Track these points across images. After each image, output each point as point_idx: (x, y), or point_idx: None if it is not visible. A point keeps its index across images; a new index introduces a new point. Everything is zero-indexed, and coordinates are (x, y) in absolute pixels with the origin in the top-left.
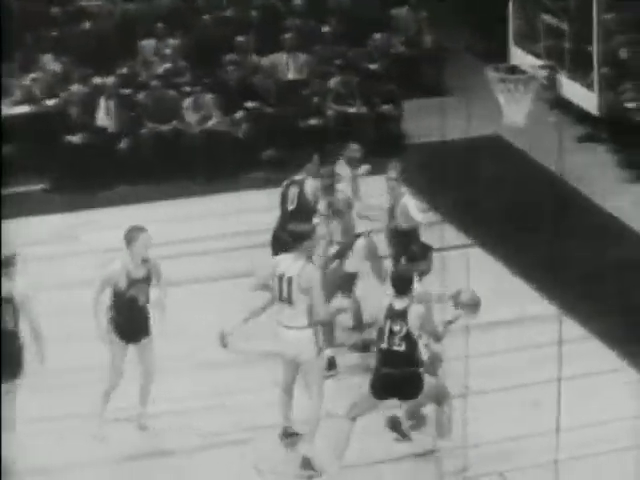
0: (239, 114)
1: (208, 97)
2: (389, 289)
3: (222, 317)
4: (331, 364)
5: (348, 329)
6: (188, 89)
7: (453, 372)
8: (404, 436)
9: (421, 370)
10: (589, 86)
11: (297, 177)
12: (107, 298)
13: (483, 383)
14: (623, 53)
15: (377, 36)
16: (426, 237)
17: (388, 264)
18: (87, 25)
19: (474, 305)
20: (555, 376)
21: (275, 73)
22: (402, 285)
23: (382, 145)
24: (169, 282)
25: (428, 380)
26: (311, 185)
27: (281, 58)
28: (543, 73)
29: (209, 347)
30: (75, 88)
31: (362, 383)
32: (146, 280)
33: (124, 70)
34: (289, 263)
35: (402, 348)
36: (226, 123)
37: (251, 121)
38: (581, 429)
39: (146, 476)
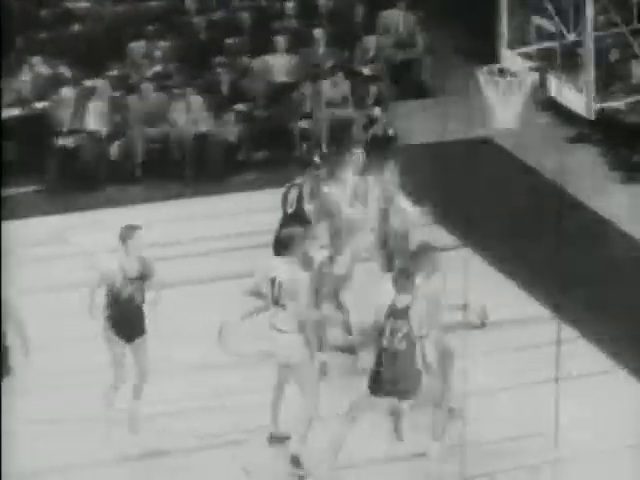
0: (229, 116)
1: (198, 99)
2: (387, 287)
3: (215, 318)
4: (323, 369)
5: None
6: (178, 91)
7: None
8: (399, 433)
9: (420, 369)
10: (579, 88)
11: (298, 180)
12: (103, 297)
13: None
14: (613, 55)
15: (367, 38)
16: (417, 238)
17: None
18: (77, 27)
19: (482, 321)
20: (546, 377)
21: (265, 75)
22: (404, 283)
23: (372, 147)
24: (160, 283)
25: (427, 380)
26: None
27: (272, 60)
28: (534, 75)
29: (203, 349)
30: (65, 90)
31: (352, 385)
32: (141, 278)
33: (114, 72)
34: (281, 266)
35: (402, 346)
36: (216, 125)
37: (241, 123)
38: (573, 430)
39: (141, 477)
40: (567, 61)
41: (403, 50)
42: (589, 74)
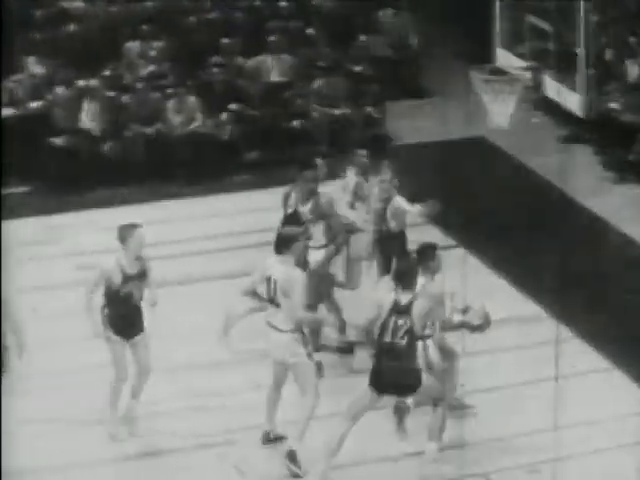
0: (223, 116)
1: (192, 99)
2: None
3: (207, 319)
4: (319, 369)
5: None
6: (173, 91)
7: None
8: (403, 428)
9: (420, 366)
10: (574, 87)
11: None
12: (100, 296)
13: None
14: (608, 54)
15: (361, 38)
16: (413, 238)
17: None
18: (71, 27)
19: (484, 324)
20: (540, 376)
21: (259, 75)
22: (407, 280)
23: (366, 147)
24: (157, 283)
25: (427, 379)
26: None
27: (265, 60)
28: (528, 74)
29: (196, 348)
30: (59, 90)
31: (347, 385)
32: (140, 277)
33: (108, 72)
34: (276, 265)
35: (404, 342)
36: (210, 125)
37: (235, 123)
38: (567, 429)
39: (136, 477)
40: (561, 61)
41: (398, 50)
42: (583, 74)
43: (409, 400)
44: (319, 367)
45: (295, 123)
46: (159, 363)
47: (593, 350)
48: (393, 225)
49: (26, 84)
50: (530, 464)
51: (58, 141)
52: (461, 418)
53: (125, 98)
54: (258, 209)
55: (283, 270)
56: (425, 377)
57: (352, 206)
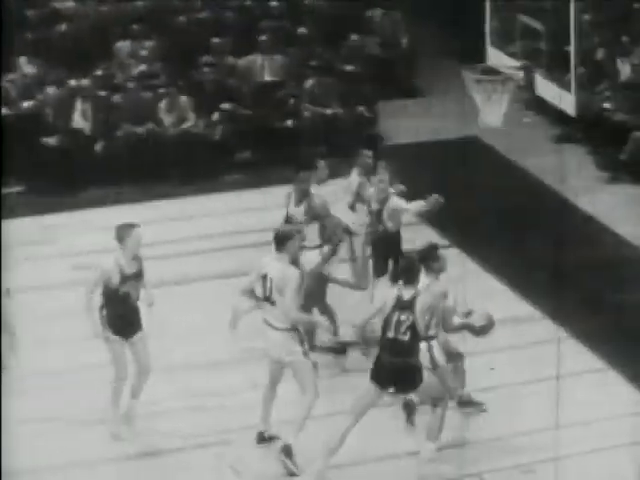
0: (215, 116)
1: (184, 99)
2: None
3: (202, 318)
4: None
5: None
6: (164, 91)
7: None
8: (411, 422)
9: (422, 363)
10: (566, 87)
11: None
12: (98, 297)
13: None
14: (600, 54)
15: (353, 37)
16: (405, 238)
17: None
18: (63, 27)
19: (486, 326)
20: (535, 377)
21: (251, 75)
22: (410, 275)
23: (358, 147)
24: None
25: (429, 378)
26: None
27: (257, 60)
28: (520, 74)
29: (189, 348)
30: (51, 90)
31: (341, 385)
32: (138, 276)
33: (100, 72)
34: (272, 263)
35: (406, 338)
36: (202, 125)
37: (227, 123)
38: (563, 429)
39: (132, 477)
40: (553, 60)
41: (389, 49)
42: (575, 73)
43: (412, 397)
44: (314, 367)
45: (287, 123)
46: (156, 363)
47: (588, 350)
48: (390, 225)
49: (18, 84)
50: (525, 464)
51: (50, 141)
52: (468, 416)
53: (117, 98)
54: (250, 209)
55: (278, 268)
56: (427, 375)
57: (353, 207)
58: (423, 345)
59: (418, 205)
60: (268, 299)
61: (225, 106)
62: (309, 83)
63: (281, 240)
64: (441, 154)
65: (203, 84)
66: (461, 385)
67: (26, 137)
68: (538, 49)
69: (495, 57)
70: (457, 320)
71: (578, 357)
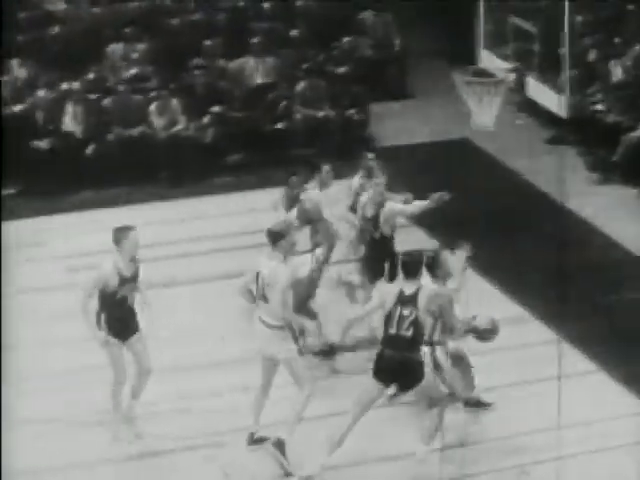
0: (206, 118)
1: (175, 102)
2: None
3: (193, 321)
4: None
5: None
6: (155, 93)
7: None
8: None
9: (423, 359)
10: (558, 88)
11: (309, 184)
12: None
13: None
14: (592, 55)
15: (344, 39)
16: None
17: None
18: (54, 30)
19: (492, 330)
20: (524, 378)
21: (242, 77)
22: (412, 269)
23: (349, 149)
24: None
25: (431, 377)
26: (310, 194)
27: (248, 62)
28: (512, 76)
29: (180, 350)
30: (42, 93)
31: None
32: (135, 279)
33: (91, 75)
34: (266, 261)
35: (409, 333)
36: (193, 128)
37: (218, 125)
38: (553, 431)
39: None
40: (545, 62)
41: (381, 51)
42: (567, 75)
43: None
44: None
45: (278, 125)
46: None
47: (578, 352)
48: (386, 229)
49: (9, 87)
50: (518, 465)
51: (42, 144)
52: (469, 416)
53: (108, 101)
54: (241, 211)
55: (271, 266)
56: (428, 374)
57: (353, 209)
58: (427, 349)
59: (419, 205)
60: (262, 297)
61: (216, 109)
62: (300, 85)
63: (274, 238)
64: (432, 156)
65: (194, 87)
66: (470, 388)
67: (17, 140)
68: (530, 51)
69: (487, 59)
70: (463, 326)
71: (568, 359)
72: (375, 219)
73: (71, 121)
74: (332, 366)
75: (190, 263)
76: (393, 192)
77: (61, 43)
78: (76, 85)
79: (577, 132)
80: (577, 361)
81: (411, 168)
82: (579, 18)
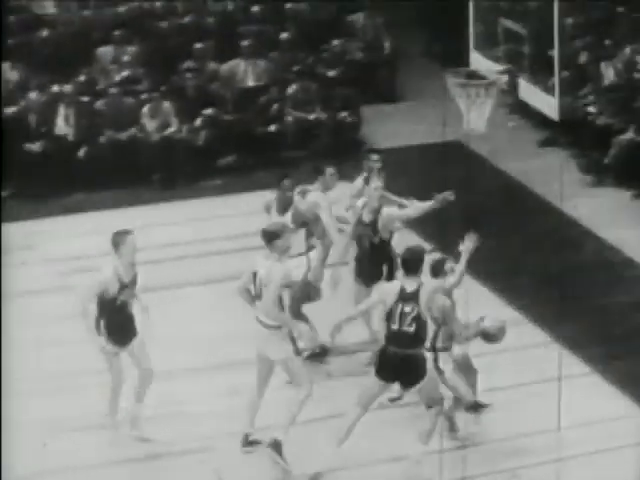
0: (198, 121)
1: (166, 104)
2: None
3: (185, 325)
4: None
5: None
6: (146, 96)
7: None
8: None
9: (425, 355)
10: (549, 90)
11: (310, 187)
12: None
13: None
14: (583, 57)
15: (335, 42)
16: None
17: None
18: (45, 33)
19: (499, 333)
20: (518, 381)
21: (233, 80)
22: (413, 266)
23: (341, 151)
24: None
25: (430, 376)
26: (313, 196)
27: (239, 65)
28: (503, 78)
29: (172, 355)
30: (33, 96)
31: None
32: (134, 284)
33: (82, 78)
34: (262, 261)
35: (412, 329)
36: (185, 130)
37: (210, 128)
38: (547, 433)
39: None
40: (536, 64)
41: (372, 54)
42: (559, 77)
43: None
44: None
45: (270, 128)
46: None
47: (572, 354)
48: (385, 234)
49: (1, 90)
50: (510, 469)
51: (34, 147)
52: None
53: (99, 104)
54: (233, 214)
55: (266, 265)
56: (430, 371)
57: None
58: (429, 355)
59: (420, 207)
60: (259, 297)
61: (208, 111)
62: (292, 88)
63: (269, 238)
64: (424, 158)
65: (186, 89)
66: (472, 393)
67: (9, 143)
68: (521, 53)
69: (478, 61)
70: (470, 329)
71: (562, 361)
72: (374, 224)
73: (63, 124)
74: (326, 370)
75: (182, 266)
76: (392, 193)
77: (51, 46)
78: (67, 88)
79: (569, 134)
80: (571, 363)
81: (402, 171)
82: (570, 20)
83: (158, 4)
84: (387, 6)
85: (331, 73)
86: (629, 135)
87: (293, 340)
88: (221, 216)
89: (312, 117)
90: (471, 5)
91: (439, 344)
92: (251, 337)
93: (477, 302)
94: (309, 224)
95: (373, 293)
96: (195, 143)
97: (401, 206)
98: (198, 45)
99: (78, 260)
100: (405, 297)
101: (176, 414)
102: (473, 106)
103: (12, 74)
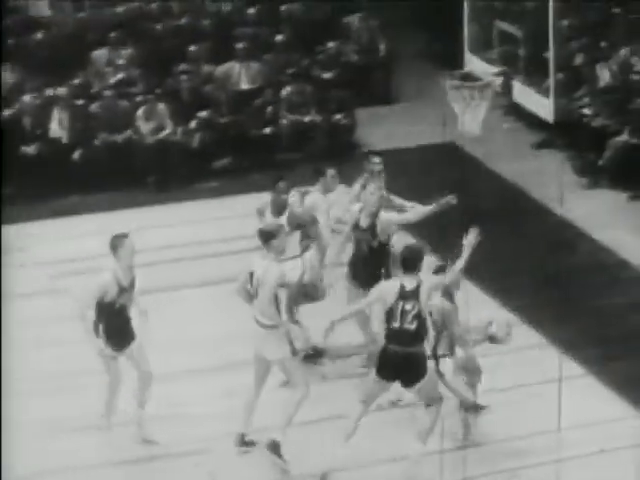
0: (192, 124)
1: (161, 107)
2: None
3: (180, 327)
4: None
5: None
6: (141, 99)
7: None
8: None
9: (426, 352)
10: (544, 92)
11: (310, 189)
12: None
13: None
14: (578, 59)
15: (330, 44)
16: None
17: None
18: (39, 35)
19: (506, 336)
20: (513, 383)
21: (228, 82)
22: (412, 264)
23: (336, 154)
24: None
25: (431, 375)
26: (312, 198)
27: (234, 67)
28: (498, 80)
29: (168, 357)
30: (28, 99)
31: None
32: (132, 287)
33: (77, 80)
34: (259, 261)
35: (413, 326)
36: (179, 133)
37: (204, 130)
38: (542, 435)
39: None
40: (531, 66)
41: (367, 56)
42: (554, 79)
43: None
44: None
45: (265, 130)
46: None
47: (566, 356)
48: (384, 238)
49: None
50: (510, 469)
51: (28, 150)
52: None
53: (94, 106)
54: (228, 216)
55: (263, 265)
56: (431, 369)
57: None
58: (431, 362)
59: (421, 211)
60: (255, 296)
61: (203, 114)
62: (286, 90)
63: (265, 238)
64: (419, 160)
65: (180, 92)
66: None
67: (4, 146)
68: (516, 55)
69: (473, 63)
70: (476, 334)
71: (557, 363)
72: (372, 228)
73: (58, 126)
74: (321, 371)
75: (178, 268)
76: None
77: (46, 49)
78: (62, 90)
79: (564, 136)
80: (565, 365)
81: (397, 172)
82: (565, 22)
83: (153, 6)
84: (382, 8)
85: (326, 75)
86: (624, 137)
87: (290, 340)
88: (216, 218)
89: (307, 119)
90: (466, 7)
91: (440, 351)
92: (248, 338)
93: (472, 304)
94: (305, 226)
95: (371, 292)
96: (190, 145)
97: (401, 210)
98: (193, 47)
99: (73, 262)
100: (405, 295)
101: (174, 416)
102: (468, 108)
103: (8, 76)
